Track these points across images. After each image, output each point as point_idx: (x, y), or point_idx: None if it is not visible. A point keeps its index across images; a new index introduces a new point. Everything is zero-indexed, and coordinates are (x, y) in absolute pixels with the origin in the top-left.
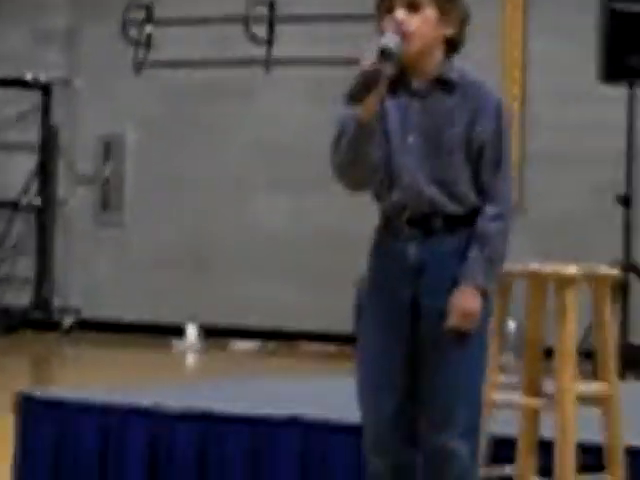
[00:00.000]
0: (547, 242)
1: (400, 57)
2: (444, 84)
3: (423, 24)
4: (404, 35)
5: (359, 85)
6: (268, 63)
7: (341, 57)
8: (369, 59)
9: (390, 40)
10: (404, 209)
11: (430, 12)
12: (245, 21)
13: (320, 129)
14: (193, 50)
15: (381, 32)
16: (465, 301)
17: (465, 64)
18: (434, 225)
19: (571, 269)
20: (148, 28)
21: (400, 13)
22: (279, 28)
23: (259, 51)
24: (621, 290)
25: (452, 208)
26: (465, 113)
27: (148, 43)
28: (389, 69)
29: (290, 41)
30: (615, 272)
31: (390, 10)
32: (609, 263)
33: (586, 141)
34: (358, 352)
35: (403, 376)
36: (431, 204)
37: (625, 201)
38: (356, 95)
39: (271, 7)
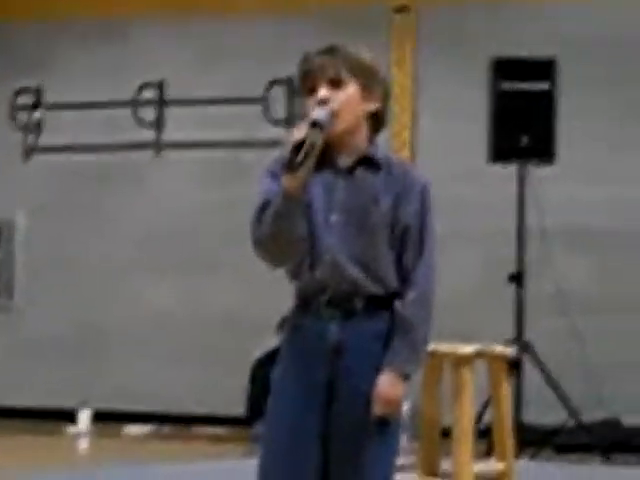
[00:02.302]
0: (437, 320)
1: (328, 131)
2: (370, 163)
3: (347, 100)
4: (330, 112)
5: (294, 156)
6: (157, 146)
7: (231, 139)
8: (300, 132)
9: (320, 113)
10: (325, 288)
11: (353, 88)
12: (134, 105)
13: (209, 211)
14: (82, 134)
15: (306, 109)
16: (389, 388)
17: None
18: (355, 306)
19: (467, 348)
20: (37, 113)
21: (323, 91)
22: (167, 111)
23: (148, 135)
24: (514, 369)
25: (373, 289)
26: (390, 194)
27: (37, 128)
28: (320, 141)
29: (179, 124)
30: (510, 351)
31: (313, 88)
32: (501, 342)
33: (477, 220)
34: (265, 429)
35: (314, 457)
36: (353, 284)
37: (516, 279)
38: (292, 165)
39: (159, 91)
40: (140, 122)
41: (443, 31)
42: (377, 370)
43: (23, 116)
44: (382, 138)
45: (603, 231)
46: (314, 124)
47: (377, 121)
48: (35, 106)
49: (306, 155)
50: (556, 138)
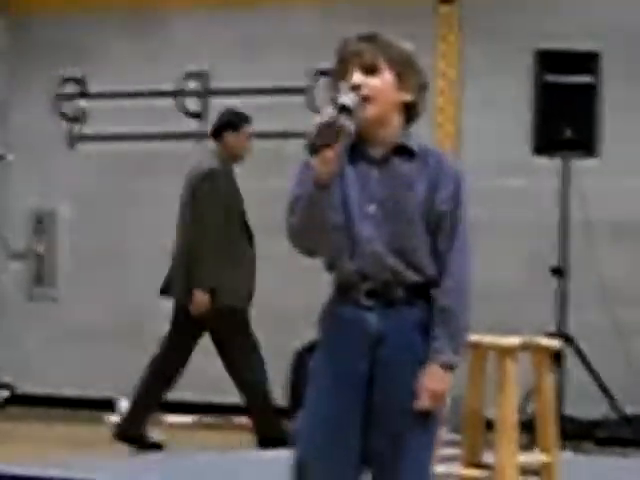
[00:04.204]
0: (477, 312)
1: (357, 116)
2: (403, 152)
3: (381, 88)
4: (362, 99)
5: (317, 136)
6: (200, 136)
7: (274, 130)
8: (327, 113)
9: (348, 98)
10: (365, 278)
11: (388, 76)
12: (177, 95)
13: (251, 202)
14: (126, 124)
15: (336, 94)
16: (434, 382)
17: None
18: (395, 295)
19: (512, 340)
20: (81, 102)
21: (357, 76)
22: (211, 101)
23: (192, 124)
24: (557, 362)
25: (413, 278)
26: (424, 182)
27: (81, 117)
28: (347, 124)
29: None
30: (554, 343)
31: (346, 75)
32: (543, 334)
33: (520, 212)
34: (303, 419)
35: (354, 443)
36: (392, 274)
37: (559, 272)
38: (314, 145)
39: (202, 81)
40: (184, 112)
41: (488, 22)
42: (417, 360)
43: (67, 106)
44: (425, 129)
45: None
46: (342, 108)
47: (411, 112)
48: (79, 96)
49: (332, 138)
50: (599, 131)
